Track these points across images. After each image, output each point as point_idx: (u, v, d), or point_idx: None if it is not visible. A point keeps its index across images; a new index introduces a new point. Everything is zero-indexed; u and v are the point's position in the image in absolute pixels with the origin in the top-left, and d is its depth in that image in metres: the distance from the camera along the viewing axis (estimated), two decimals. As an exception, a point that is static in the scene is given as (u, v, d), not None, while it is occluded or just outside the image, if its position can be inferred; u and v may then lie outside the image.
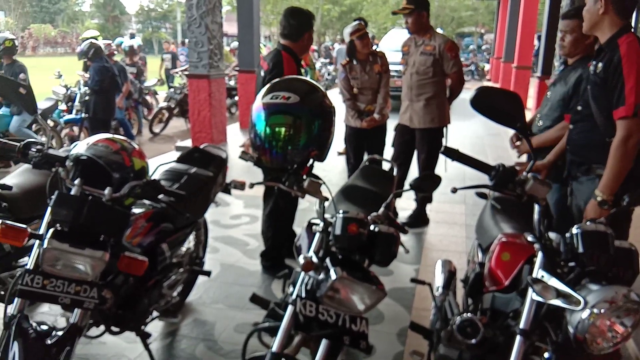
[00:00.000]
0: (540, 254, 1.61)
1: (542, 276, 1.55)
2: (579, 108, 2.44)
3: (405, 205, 4.73)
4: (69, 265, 1.85)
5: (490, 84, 18.17)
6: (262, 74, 3.38)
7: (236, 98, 10.55)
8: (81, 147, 2.12)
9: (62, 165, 2.02)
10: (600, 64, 2.21)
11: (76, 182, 1.93)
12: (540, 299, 1.52)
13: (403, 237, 1.88)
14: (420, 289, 3.31)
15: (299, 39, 3.39)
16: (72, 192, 1.92)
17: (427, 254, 3.98)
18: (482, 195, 2.21)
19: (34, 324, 1.88)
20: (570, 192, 2.51)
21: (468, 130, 9.07)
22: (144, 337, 2.33)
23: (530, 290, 1.56)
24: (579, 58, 2.83)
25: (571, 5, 5.65)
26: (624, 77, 2.09)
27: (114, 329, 2.26)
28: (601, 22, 2.24)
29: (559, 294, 1.48)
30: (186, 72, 8.58)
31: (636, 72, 2.07)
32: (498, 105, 1.68)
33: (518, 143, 3.14)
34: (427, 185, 2.00)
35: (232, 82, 11.01)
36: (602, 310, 1.43)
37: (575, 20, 2.74)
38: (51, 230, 1.83)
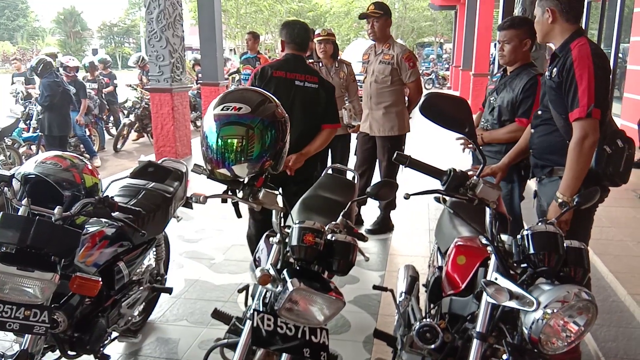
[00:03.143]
0: (493, 257, 1.63)
1: (496, 278, 1.56)
2: (539, 112, 2.49)
3: (371, 212, 4.75)
4: (17, 289, 1.77)
5: (450, 91, 18.56)
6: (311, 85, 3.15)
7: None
8: (29, 166, 2.06)
9: (8, 185, 1.95)
10: (555, 69, 2.28)
11: (23, 202, 1.87)
12: (493, 301, 1.53)
13: (366, 244, 1.88)
14: (386, 295, 3.31)
15: (306, 50, 3.40)
16: (20, 213, 1.85)
17: (392, 259, 4.00)
18: (439, 199, 2.23)
19: (-19, 352, 1.81)
20: (535, 194, 2.57)
21: (441, 135, 9.15)
22: (103, 359, 2.26)
23: (484, 293, 1.57)
24: (520, 66, 2.99)
25: (522, 14, 5.82)
26: (577, 80, 2.16)
27: (70, 352, 2.18)
28: (552, 31, 2.33)
29: (513, 296, 1.50)
30: (135, 86, 8.43)
31: (587, 74, 2.14)
32: (446, 112, 1.70)
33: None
34: (384, 192, 2.01)
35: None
36: (555, 310, 1.45)
37: (511, 30, 2.93)
38: None
